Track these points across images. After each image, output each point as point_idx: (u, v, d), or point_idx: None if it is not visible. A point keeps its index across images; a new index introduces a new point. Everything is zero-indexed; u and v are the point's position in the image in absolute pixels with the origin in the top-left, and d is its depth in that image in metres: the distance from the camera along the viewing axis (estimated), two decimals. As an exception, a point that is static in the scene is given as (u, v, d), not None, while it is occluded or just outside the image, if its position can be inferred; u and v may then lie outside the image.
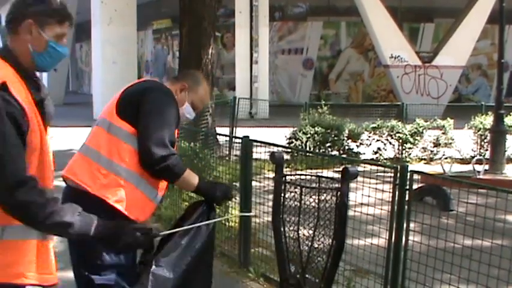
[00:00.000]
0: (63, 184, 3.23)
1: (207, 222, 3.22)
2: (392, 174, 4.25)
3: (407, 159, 12.07)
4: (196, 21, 10.82)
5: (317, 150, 11.44)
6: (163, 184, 3.30)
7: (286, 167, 7.05)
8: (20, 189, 2.21)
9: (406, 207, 4.16)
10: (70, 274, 3.28)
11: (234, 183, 6.38)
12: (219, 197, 3.33)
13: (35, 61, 2.44)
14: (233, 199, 3.45)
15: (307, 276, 3.57)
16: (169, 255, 3.06)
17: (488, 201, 3.97)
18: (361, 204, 4.61)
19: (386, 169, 4.75)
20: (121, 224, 2.61)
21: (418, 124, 12.38)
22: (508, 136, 10.92)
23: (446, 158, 11.64)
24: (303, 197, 3.48)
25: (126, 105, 3.18)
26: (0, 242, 2.29)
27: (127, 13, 21.35)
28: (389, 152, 12.26)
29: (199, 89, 3.52)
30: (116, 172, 3.09)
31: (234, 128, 12.70)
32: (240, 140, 5.89)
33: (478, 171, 9.85)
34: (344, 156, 11.34)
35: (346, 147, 11.95)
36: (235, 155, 7.71)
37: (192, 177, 3.26)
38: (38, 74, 2.57)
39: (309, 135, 11.59)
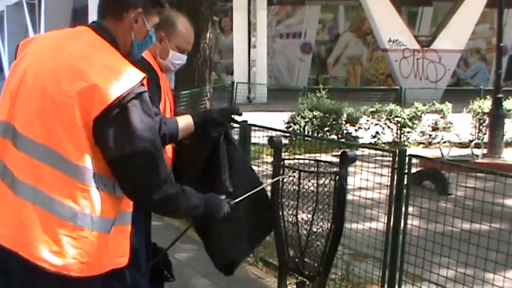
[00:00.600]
0: None
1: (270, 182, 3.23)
2: (390, 158, 4.25)
3: (406, 143, 12.08)
4: (193, 6, 10.76)
5: (315, 135, 11.44)
6: None
7: (284, 152, 7.04)
8: (167, 183, 2.27)
9: (404, 191, 4.16)
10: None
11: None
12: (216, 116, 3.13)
13: (132, 49, 2.40)
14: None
15: (305, 260, 3.58)
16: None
17: (486, 185, 3.97)
18: (360, 188, 4.61)
19: (384, 153, 4.75)
20: (216, 198, 2.67)
21: (417, 108, 12.38)
22: (506, 120, 10.93)
23: (444, 142, 11.64)
24: (301, 181, 3.47)
25: None
26: (114, 228, 2.28)
27: (124, -3, 21.24)
28: (388, 136, 12.26)
29: (177, 30, 3.18)
30: None
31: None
32: (238, 125, 5.87)
33: (477, 155, 9.86)
34: (342, 140, 11.33)
35: (345, 132, 11.96)
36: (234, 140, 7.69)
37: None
38: None
39: (307, 119, 11.58)
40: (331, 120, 11.77)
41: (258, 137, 5.76)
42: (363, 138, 12.06)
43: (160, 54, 3.15)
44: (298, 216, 3.53)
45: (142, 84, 2.20)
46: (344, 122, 11.95)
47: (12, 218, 2.17)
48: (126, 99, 2.12)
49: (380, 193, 4.50)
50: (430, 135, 12.46)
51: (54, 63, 2.21)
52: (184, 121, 3.00)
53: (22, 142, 2.18)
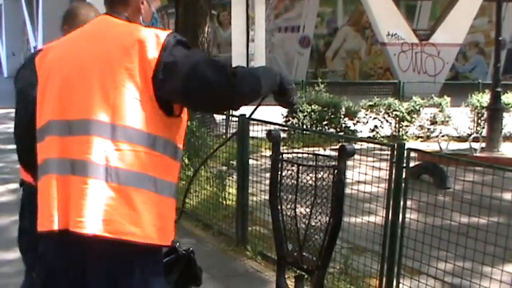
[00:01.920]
0: None
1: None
2: (389, 152, 4.25)
3: (404, 137, 12.08)
4: (192, 0, 10.76)
5: (314, 128, 11.44)
6: None
7: (283, 145, 7.04)
8: (233, 73, 2.28)
9: (403, 185, 4.17)
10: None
11: (231, 162, 6.39)
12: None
13: None
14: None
15: (304, 254, 3.58)
16: None
17: (484, 178, 3.97)
18: (358, 182, 4.62)
19: (383, 147, 4.75)
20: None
21: (415, 102, 12.38)
22: (504, 114, 10.94)
23: (443, 136, 11.64)
24: (300, 175, 3.47)
25: None
26: (155, 196, 2.30)
27: (122, -9, 21.22)
28: (386, 130, 12.27)
29: (79, 19, 3.27)
30: None
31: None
32: (236, 118, 5.88)
33: (475, 149, 9.86)
34: (341, 134, 11.34)
35: (343, 125, 11.95)
36: (232, 133, 7.70)
37: None
38: None
39: (305, 113, 11.58)
40: (329, 114, 11.76)
41: (257, 131, 5.76)
42: (361, 132, 12.06)
43: None
44: (297, 210, 3.53)
45: (175, 34, 2.33)
46: (342, 116, 11.95)
47: (89, 203, 2.20)
48: (170, 43, 2.26)
49: (378, 187, 4.50)
50: (428, 129, 12.46)
51: (96, 51, 2.31)
52: None
53: (81, 127, 2.26)
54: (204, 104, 2.36)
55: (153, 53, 2.22)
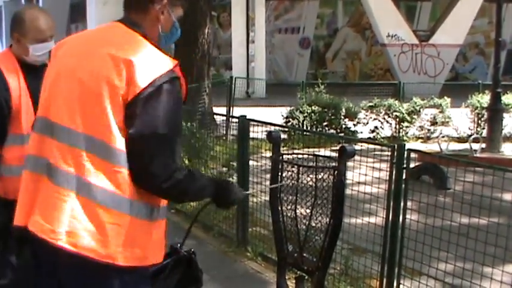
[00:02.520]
0: None
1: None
2: (389, 153, 4.25)
3: (404, 137, 12.08)
4: (192, 1, 10.76)
5: (314, 129, 11.44)
6: None
7: (283, 146, 7.05)
8: (178, 169, 2.27)
9: (403, 185, 4.17)
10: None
11: (231, 163, 6.39)
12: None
13: (158, 41, 2.42)
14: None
15: (304, 255, 3.58)
16: None
17: (485, 179, 3.98)
18: (359, 183, 4.62)
19: (383, 148, 4.76)
20: (226, 182, 2.78)
21: (415, 103, 12.38)
22: (504, 114, 10.93)
23: (443, 137, 11.64)
24: (300, 176, 3.48)
25: None
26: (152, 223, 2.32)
27: (122, -8, 21.21)
28: (387, 131, 12.27)
29: (26, 25, 3.33)
30: None
31: (231, 108, 12.68)
32: (237, 120, 5.88)
33: (475, 150, 9.86)
34: (341, 135, 11.33)
35: (343, 126, 11.95)
36: (232, 135, 7.70)
37: None
38: None
39: (306, 114, 11.58)
40: (329, 115, 11.76)
41: (257, 132, 5.77)
42: (361, 133, 12.06)
43: (23, 53, 3.32)
44: (297, 211, 3.53)
45: (174, 71, 2.26)
46: (343, 117, 11.94)
47: (57, 211, 2.18)
48: (160, 82, 2.19)
49: (379, 188, 4.50)
50: (428, 129, 12.46)
51: (89, 56, 2.28)
52: None
53: (62, 133, 2.24)
54: (134, 168, 2.21)
55: (142, 81, 2.17)
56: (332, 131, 11.70)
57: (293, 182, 3.53)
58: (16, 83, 3.25)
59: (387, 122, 12.28)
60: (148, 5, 2.36)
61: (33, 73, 3.30)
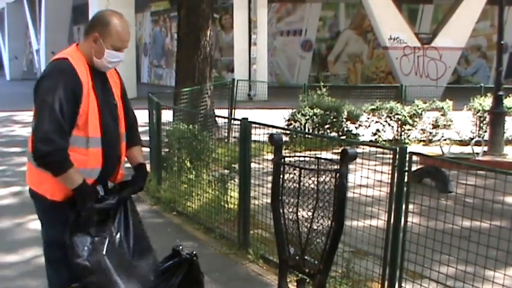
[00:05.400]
0: None
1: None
2: (391, 156, 4.25)
3: (406, 140, 12.07)
4: (194, 3, 10.76)
5: (316, 132, 11.43)
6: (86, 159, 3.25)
7: (285, 149, 7.05)
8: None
9: (405, 188, 4.16)
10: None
11: (233, 165, 6.39)
12: (83, 207, 3.20)
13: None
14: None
15: (306, 257, 3.58)
16: None
17: (486, 182, 3.97)
18: (360, 185, 4.61)
19: (385, 151, 4.75)
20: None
21: (417, 106, 12.37)
22: (507, 118, 10.92)
23: (445, 140, 11.63)
24: (302, 178, 3.48)
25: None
26: None
27: (125, -5, 21.26)
28: (388, 134, 12.26)
29: (111, 29, 3.27)
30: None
31: (233, 110, 12.68)
32: (238, 122, 5.88)
33: (477, 153, 9.85)
34: (343, 137, 11.33)
35: (345, 129, 11.94)
36: (234, 137, 7.70)
37: (73, 178, 3.16)
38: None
39: (307, 116, 11.57)
40: (331, 117, 11.75)
41: (259, 135, 5.77)
42: (363, 135, 12.05)
43: (95, 54, 3.27)
44: (299, 213, 3.53)
45: None
46: (344, 120, 11.94)
47: None
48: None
49: (380, 191, 4.50)
50: (430, 132, 12.44)
51: None
52: (75, 177, 3.18)
53: None
54: None
55: None
56: (334, 133, 11.70)
57: (295, 184, 3.53)
58: (86, 85, 3.21)
59: (389, 124, 12.27)
60: None
61: (98, 77, 3.30)
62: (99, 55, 3.26)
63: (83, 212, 3.17)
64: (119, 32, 3.27)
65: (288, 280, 3.86)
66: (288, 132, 10.73)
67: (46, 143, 3.04)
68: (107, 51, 3.25)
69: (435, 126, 12.43)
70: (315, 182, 3.44)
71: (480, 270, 3.93)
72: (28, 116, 17.40)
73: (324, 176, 3.44)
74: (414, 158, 4.21)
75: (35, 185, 3.29)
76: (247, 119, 5.69)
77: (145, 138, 5.47)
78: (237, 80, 13.37)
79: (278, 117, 11.79)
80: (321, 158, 3.61)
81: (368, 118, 12.25)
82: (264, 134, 5.55)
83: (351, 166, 3.50)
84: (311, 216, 3.48)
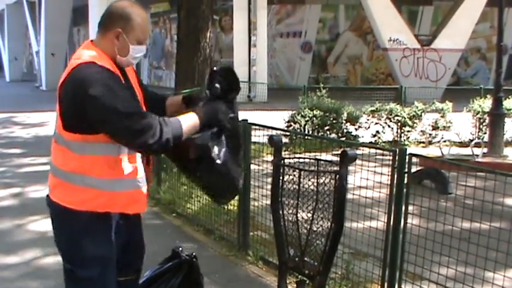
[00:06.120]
0: None
1: None
2: (391, 158, 4.25)
3: (406, 142, 12.07)
4: (194, 4, 10.76)
5: (316, 134, 11.43)
6: (129, 167, 2.97)
7: (284, 150, 7.04)
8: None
9: (404, 190, 4.16)
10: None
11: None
12: (223, 119, 3.01)
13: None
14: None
15: (306, 259, 3.58)
16: None
17: (486, 184, 3.97)
18: (360, 187, 4.61)
19: (385, 152, 4.75)
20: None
21: (417, 107, 12.37)
22: (506, 119, 10.92)
23: (445, 141, 11.64)
24: (301, 180, 3.47)
25: (72, 117, 2.83)
26: None
27: (125, -4, 21.24)
28: (388, 135, 12.26)
29: (133, 23, 2.91)
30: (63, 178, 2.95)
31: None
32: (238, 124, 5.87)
33: (477, 155, 9.85)
34: (343, 139, 11.33)
35: (345, 131, 11.94)
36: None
37: (192, 125, 2.92)
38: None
39: (307, 118, 11.57)
40: (331, 119, 11.76)
41: (258, 136, 5.77)
42: (363, 137, 12.05)
43: (119, 51, 2.94)
44: (299, 215, 3.53)
45: None
46: (344, 121, 11.94)
47: None
48: None
49: (380, 192, 4.50)
50: (430, 134, 12.45)
51: None
52: (190, 121, 2.92)
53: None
54: None
55: None
56: (333, 135, 11.70)
57: (294, 186, 3.53)
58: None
59: (389, 126, 12.27)
60: None
61: (123, 74, 2.98)
62: (124, 52, 2.93)
63: (223, 124, 3.00)
64: (141, 25, 2.94)
65: (287, 282, 3.86)
66: (287, 133, 10.72)
67: (152, 138, 2.76)
68: (132, 46, 2.93)
69: (435, 127, 12.44)
70: (315, 184, 3.44)
71: (480, 272, 3.93)
72: (27, 117, 17.45)
73: (323, 178, 3.44)
74: (414, 159, 4.22)
75: (72, 203, 2.89)
76: (246, 120, 5.69)
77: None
78: (237, 82, 13.38)
79: (278, 118, 11.79)
80: (320, 160, 3.61)
81: (368, 120, 12.25)
82: (263, 135, 5.55)
83: (350, 167, 3.50)
84: (311, 218, 3.48)
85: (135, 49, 2.94)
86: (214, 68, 3.13)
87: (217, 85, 3.03)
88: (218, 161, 2.99)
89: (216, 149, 3.00)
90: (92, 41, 3.00)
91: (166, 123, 2.82)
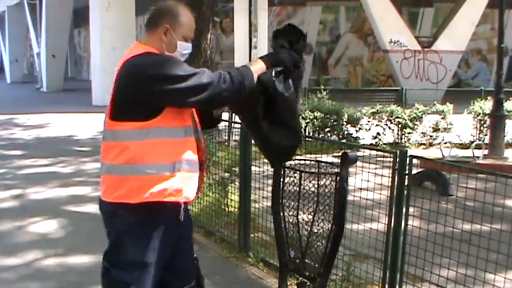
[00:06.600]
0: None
1: None
2: (391, 159, 4.25)
3: (407, 144, 12.08)
4: (194, 6, 10.75)
5: (316, 135, 11.44)
6: (177, 149, 2.95)
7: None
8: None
9: (405, 192, 4.16)
10: (70, 260, 3.27)
11: (233, 169, 6.39)
12: (286, 59, 3.16)
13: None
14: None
15: (306, 261, 3.58)
16: None
17: (487, 186, 3.97)
18: (361, 189, 4.61)
19: (385, 154, 4.74)
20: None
21: (418, 109, 12.38)
22: (507, 121, 10.93)
23: (445, 143, 11.64)
24: (302, 182, 3.47)
25: (132, 104, 2.86)
26: None
27: (125, -2, 21.30)
28: (389, 137, 12.26)
29: (181, 19, 3.02)
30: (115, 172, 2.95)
31: (233, 113, 12.67)
32: (239, 125, 5.88)
33: (477, 156, 9.85)
34: (343, 141, 11.33)
35: (346, 132, 11.95)
36: (235, 140, 7.70)
37: (258, 67, 3.07)
38: None
39: (308, 120, 11.58)
40: (332, 121, 11.76)
41: (259, 138, 5.75)
42: (363, 139, 12.05)
43: (166, 48, 3.02)
44: (299, 217, 3.53)
45: None
46: (345, 123, 11.94)
47: None
48: None
49: (381, 194, 4.49)
50: (431, 136, 12.46)
51: None
52: (257, 65, 3.09)
53: None
54: None
55: None
56: (334, 137, 11.71)
57: (295, 188, 3.53)
58: None
59: (389, 128, 12.28)
60: None
61: None
62: (172, 48, 3.00)
63: (286, 64, 3.14)
64: (188, 22, 3.05)
65: (288, 283, 3.86)
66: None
67: (224, 84, 2.87)
68: (179, 42, 3.02)
69: (435, 129, 12.44)
70: (316, 185, 3.44)
71: (481, 274, 3.93)
72: (28, 119, 17.46)
73: (324, 179, 3.44)
74: (414, 161, 4.22)
75: (122, 197, 2.88)
76: (247, 122, 5.68)
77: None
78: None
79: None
80: (321, 161, 3.61)
81: (368, 121, 12.26)
82: (264, 137, 5.53)
83: (351, 169, 3.50)
84: (311, 220, 3.48)
85: (182, 45, 3.04)
86: (276, 29, 3.36)
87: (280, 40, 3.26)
88: (286, 94, 3.06)
89: (281, 87, 3.05)
90: (139, 41, 3.10)
91: (234, 70, 2.95)
